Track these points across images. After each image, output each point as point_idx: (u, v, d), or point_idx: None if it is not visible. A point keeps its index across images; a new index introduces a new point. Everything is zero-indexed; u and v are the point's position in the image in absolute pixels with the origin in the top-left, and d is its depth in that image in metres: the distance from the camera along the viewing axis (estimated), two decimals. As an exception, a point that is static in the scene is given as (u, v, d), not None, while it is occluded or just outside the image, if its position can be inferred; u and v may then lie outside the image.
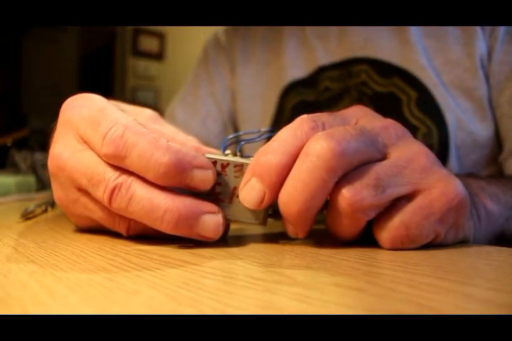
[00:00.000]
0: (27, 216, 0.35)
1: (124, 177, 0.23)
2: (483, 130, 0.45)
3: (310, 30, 0.56)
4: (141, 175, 0.23)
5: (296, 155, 0.22)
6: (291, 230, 0.23)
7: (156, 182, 0.23)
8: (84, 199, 0.25)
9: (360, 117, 0.25)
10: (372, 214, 0.22)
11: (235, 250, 0.23)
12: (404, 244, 0.22)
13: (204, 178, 0.23)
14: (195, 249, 0.24)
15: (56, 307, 0.14)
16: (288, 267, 0.20)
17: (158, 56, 2.86)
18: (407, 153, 0.23)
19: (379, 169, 0.22)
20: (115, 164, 0.23)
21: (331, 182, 0.21)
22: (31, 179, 0.60)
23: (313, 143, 0.21)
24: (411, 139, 0.24)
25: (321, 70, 0.54)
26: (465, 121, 0.45)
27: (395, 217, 0.22)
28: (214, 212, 0.23)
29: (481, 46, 0.44)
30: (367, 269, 0.19)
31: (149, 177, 0.22)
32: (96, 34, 2.90)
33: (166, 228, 0.23)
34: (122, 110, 0.26)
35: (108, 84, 2.80)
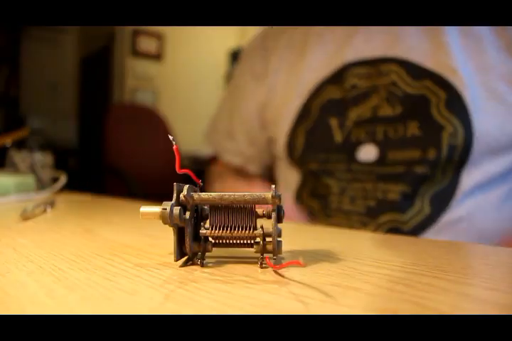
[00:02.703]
0: (26, 216, 0.35)
1: None
2: (506, 137, 0.45)
3: (339, 27, 0.55)
4: None
5: None
6: None
7: None
8: None
9: None
10: None
11: (233, 250, 0.23)
12: None
13: None
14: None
15: (55, 307, 0.14)
16: (286, 267, 0.20)
17: (157, 57, 2.86)
18: None
19: None
20: None
21: None
22: (30, 179, 0.60)
23: None
24: None
25: (348, 66, 0.53)
26: (491, 125, 0.45)
27: None
28: None
29: None
30: (365, 269, 0.19)
31: None
32: (95, 35, 2.90)
33: None
34: None
35: (107, 85, 2.80)
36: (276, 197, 0.20)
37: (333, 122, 0.53)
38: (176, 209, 0.20)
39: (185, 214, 0.20)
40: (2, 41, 2.71)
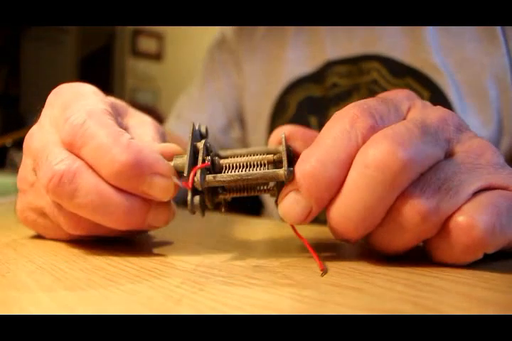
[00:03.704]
0: (26, 216, 0.35)
1: (69, 164, 0.21)
2: (486, 134, 0.45)
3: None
4: (95, 170, 0.21)
5: (351, 163, 0.18)
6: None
7: (108, 180, 0.21)
8: (38, 184, 0.24)
9: (411, 106, 0.22)
10: (440, 225, 0.18)
11: (233, 250, 0.23)
12: (496, 235, 0.18)
13: (163, 188, 0.21)
14: (194, 248, 0.24)
15: (55, 308, 0.14)
16: (286, 267, 0.20)
17: (158, 57, 2.86)
18: (473, 149, 0.20)
19: (446, 168, 0.19)
20: (72, 152, 0.21)
21: (395, 197, 0.18)
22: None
23: (372, 150, 0.17)
24: (470, 132, 0.21)
25: (329, 65, 0.52)
26: (476, 122, 0.44)
27: (479, 205, 0.18)
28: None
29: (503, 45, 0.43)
30: (364, 269, 0.19)
31: (102, 173, 0.21)
32: (95, 35, 2.90)
33: (117, 225, 0.21)
34: (115, 111, 0.25)
35: (107, 85, 2.80)
36: (288, 173, 0.19)
37: (313, 121, 0.52)
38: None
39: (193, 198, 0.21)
40: (2, 41, 2.71)
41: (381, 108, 0.20)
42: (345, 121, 0.19)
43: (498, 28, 0.43)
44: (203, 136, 0.24)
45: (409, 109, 0.22)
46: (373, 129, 0.19)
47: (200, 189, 0.20)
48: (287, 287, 0.16)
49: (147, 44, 2.84)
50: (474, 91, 0.44)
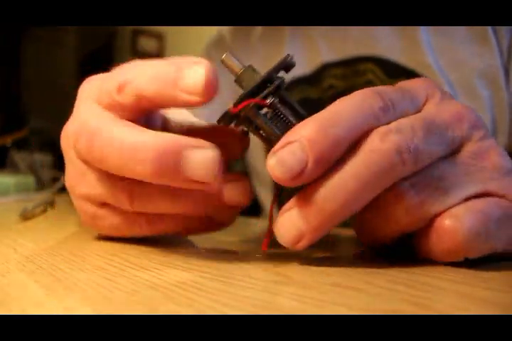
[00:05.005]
0: (26, 216, 0.35)
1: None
2: None
3: (313, 26, 0.55)
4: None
5: (359, 137, 0.18)
6: (296, 233, 0.19)
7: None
8: (89, 171, 0.23)
9: (429, 97, 0.21)
10: (424, 221, 0.19)
11: (232, 250, 0.23)
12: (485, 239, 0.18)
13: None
14: (194, 249, 0.24)
15: (55, 308, 0.14)
16: (285, 267, 0.20)
17: (158, 57, 2.86)
18: (481, 150, 0.20)
19: (444, 167, 0.19)
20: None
21: (385, 187, 0.18)
22: (30, 179, 0.60)
23: (378, 140, 0.18)
24: (485, 133, 0.21)
25: (325, 67, 0.52)
26: None
27: (468, 211, 0.18)
28: (203, 147, 0.18)
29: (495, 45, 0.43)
30: (364, 269, 0.19)
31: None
32: (95, 34, 2.90)
33: (147, 173, 0.19)
34: None
35: (107, 85, 2.79)
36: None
37: None
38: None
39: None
40: (2, 41, 2.71)
41: (395, 95, 0.20)
42: (358, 99, 0.19)
43: (489, 29, 0.43)
44: (287, 69, 0.23)
45: (426, 101, 0.21)
46: (383, 111, 0.19)
47: (241, 114, 0.20)
48: (287, 287, 0.16)
49: (147, 44, 2.84)
50: (467, 92, 0.45)
